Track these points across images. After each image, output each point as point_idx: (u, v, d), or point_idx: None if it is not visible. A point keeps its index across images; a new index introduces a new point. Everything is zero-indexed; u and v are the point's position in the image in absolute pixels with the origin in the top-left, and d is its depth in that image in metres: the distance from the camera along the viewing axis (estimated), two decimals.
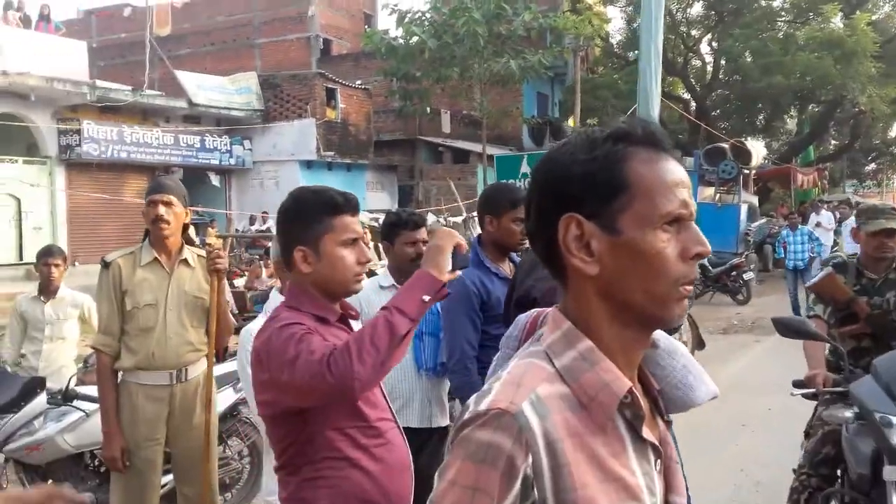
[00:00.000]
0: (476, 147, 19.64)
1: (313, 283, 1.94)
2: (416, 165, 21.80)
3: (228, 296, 5.17)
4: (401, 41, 17.70)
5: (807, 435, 3.56)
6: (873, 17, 21.97)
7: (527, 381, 0.97)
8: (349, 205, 1.96)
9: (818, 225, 14.60)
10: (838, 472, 3.32)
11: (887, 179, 39.92)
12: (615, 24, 25.87)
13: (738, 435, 6.13)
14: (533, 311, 1.20)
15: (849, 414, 2.90)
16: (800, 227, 13.35)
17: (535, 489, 0.93)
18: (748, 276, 14.19)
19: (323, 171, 19.91)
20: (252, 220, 18.34)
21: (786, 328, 3.04)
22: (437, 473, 0.98)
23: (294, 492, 1.89)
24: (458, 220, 15.32)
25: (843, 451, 3.15)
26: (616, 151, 1.00)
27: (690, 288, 1.00)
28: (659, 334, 1.11)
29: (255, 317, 3.26)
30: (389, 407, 2.05)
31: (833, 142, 30.58)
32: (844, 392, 2.99)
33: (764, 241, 17.89)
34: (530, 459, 0.93)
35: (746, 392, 7.67)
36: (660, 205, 0.98)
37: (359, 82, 21.99)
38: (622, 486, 0.97)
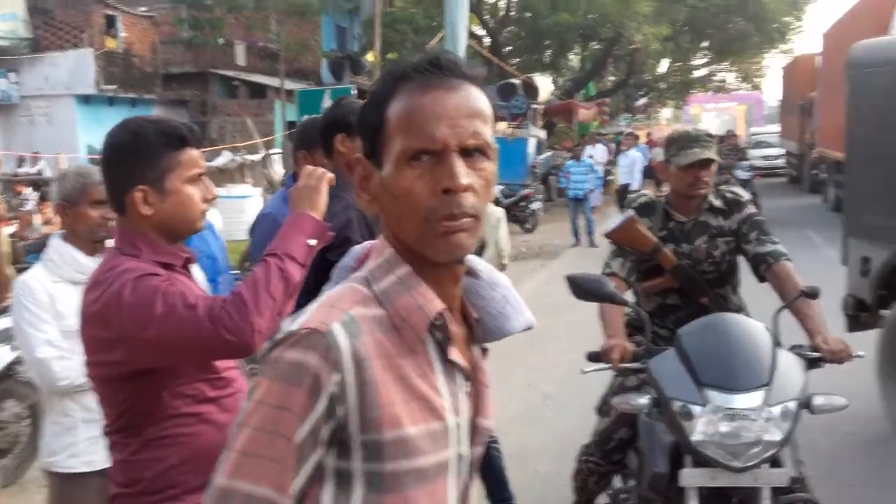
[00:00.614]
0: (274, 81, 18.97)
1: (153, 226, 1.77)
2: (208, 100, 20.70)
3: (6, 246, 4.70)
4: None
5: (600, 412, 3.07)
6: None
7: (341, 304, 1.01)
8: (194, 137, 1.81)
9: (590, 157, 15.61)
10: (634, 461, 2.88)
11: (655, 113, 43.71)
12: None
13: (525, 354, 6.65)
14: (368, 242, 1.23)
15: (643, 401, 2.42)
16: (583, 158, 14.24)
17: (342, 406, 0.96)
18: (535, 205, 15.17)
19: (103, 106, 18.38)
20: (21, 162, 16.62)
21: (580, 289, 2.48)
22: (247, 393, 1.01)
23: (135, 452, 1.74)
24: (256, 158, 14.82)
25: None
26: (384, 89, 1.02)
27: (455, 223, 0.98)
28: (481, 266, 1.16)
29: (28, 268, 3.01)
30: None
31: (611, 78, 32.88)
32: (643, 368, 2.52)
33: (549, 173, 19.10)
34: (337, 377, 0.96)
35: (533, 314, 8.27)
36: (403, 140, 0.99)
37: (143, 9, 20.35)
38: (427, 406, 1.02)
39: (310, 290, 2.75)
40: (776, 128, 28.89)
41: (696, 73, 34.79)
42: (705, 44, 29.19)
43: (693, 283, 2.90)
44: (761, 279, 2.85)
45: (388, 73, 1.04)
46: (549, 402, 5.47)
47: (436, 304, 1.03)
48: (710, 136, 2.88)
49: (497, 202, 14.19)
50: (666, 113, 49.11)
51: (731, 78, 36.03)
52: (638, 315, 2.64)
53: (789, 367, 2.37)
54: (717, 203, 2.95)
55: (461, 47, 3.37)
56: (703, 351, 2.37)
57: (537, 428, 4.97)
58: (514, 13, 24.58)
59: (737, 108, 50.25)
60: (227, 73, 20.78)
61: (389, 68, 1.06)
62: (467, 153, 1.00)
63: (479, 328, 1.16)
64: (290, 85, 17.98)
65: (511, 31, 25.20)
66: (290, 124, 14.51)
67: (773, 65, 33.98)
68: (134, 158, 1.74)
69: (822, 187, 17.81)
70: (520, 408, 5.26)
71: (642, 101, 39.06)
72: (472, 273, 1.14)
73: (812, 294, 2.52)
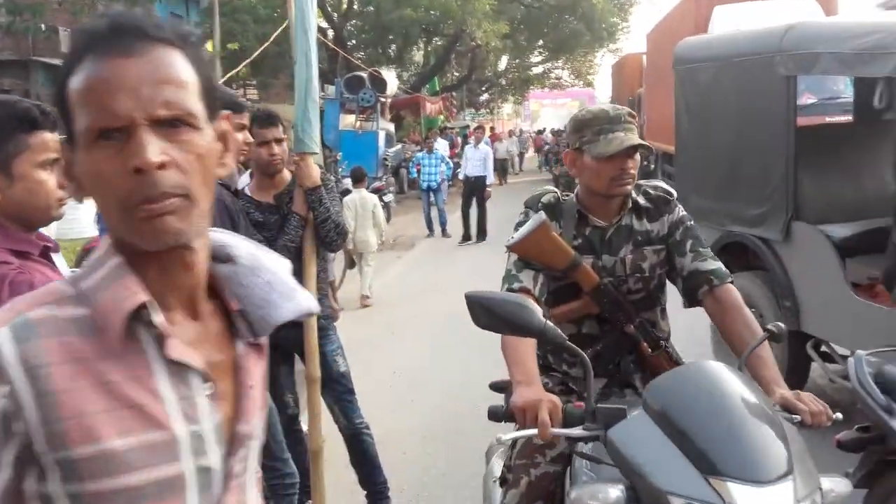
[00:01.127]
0: None
1: (3, 213, 1.70)
2: (31, 90, 19.15)
3: None
4: None
5: (502, 482, 2.32)
6: None
7: (18, 306, 0.89)
8: (48, 120, 1.71)
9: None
10: None
11: (498, 108, 45.14)
12: None
13: (388, 341, 6.77)
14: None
15: (615, 494, 1.60)
16: (435, 150, 14.49)
17: (19, 422, 0.84)
18: (388, 198, 15.26)
19: None
20: None
21: (491, 315, 1.73)
22: None
23: None
24: None
25: None
26: (69, 61, 0.89)
27: (155, 206, 0.86)
28: (241, 250, 1.02)
29: None
30: None
31: (455, 73, 33.61)
32: (593, 437, 1.73)
33: (400, 166, 19.30)
34: (5, 389, 0.83)
35: (393, 304, 8.42)
36: (86, 118, 0.86)
37: None
38: (140, 414, 0.88)
39: None
40: None
41: (534, 70, 36.25)
42: (541, 42, 30.49)
43: (617, 307, 2.23)
44: (693, 303, 2.24)
45: (72, 42, 0.90)
46: (413, 385, 5.60)
47: (137, 298, 0.88)
48: (632, 115, 2.21)
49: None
50: (507, 108, 50.78)
51: (565, 75, 37.85)
52: (572, 359, 2.05)
53: (795, 441, 1.64)
54: (642, 201, 2.29)
55: (312, 41, 3.37)
56: (700, 422, 1.60)
57: (404, 412, 5.08)
58: (357, 7, 24.53)
59: (571, 103, 52.80)
60: (52, 61, 19.31)
61: (73, 35, 0.91)
62: (165, 125, 0.87)
63: (242, 321, 1.01)
64: None
65: (355, 25, 25.13)
66: None
67: (604, 63, 35.97)
68: None
69: (652, 177, 19.16)
70: (388, 395, 5.34)
71: (485, 96, 40.22)
72: (229, 259, 1.01)
73: (779, 337, 1.92)
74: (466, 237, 13.03)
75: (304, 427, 3.42)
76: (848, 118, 12.83)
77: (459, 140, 23.14)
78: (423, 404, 5.23)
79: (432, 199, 13.83)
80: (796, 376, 4.36)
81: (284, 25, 12.03)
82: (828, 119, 9.61)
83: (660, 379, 1.79)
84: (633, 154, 2.14)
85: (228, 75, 14.79)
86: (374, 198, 9.19)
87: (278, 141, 3.36)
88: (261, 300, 1.01)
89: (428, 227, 13.91)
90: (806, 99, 9.95)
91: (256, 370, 1.02)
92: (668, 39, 15.86)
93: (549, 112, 54.32)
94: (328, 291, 3.67)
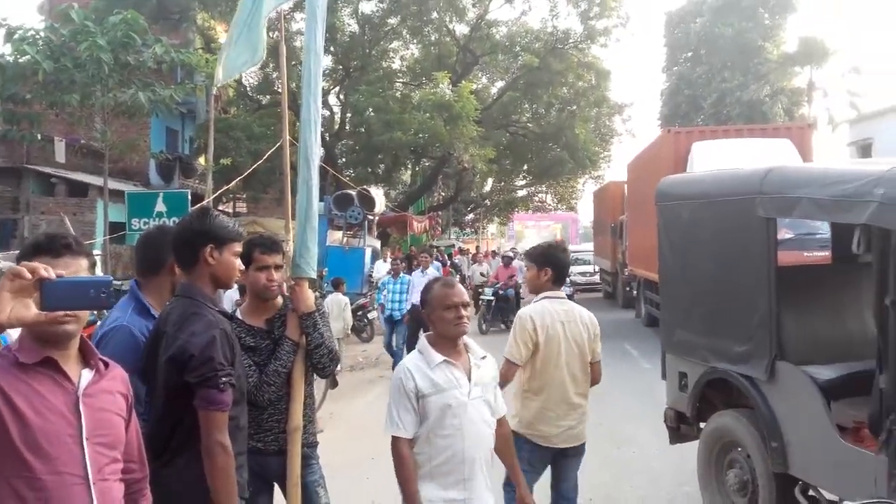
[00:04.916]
0: (96, 180, 18.09)
1: None
2: (21, 197, 19.30)
3: None
4: (9, 59, 15.70)
5: None
6: (475, 87, 25.39)
7: None
8: None
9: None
10: None
11: (483, 228, 45.97)
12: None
13: (369, 469, 6.56)
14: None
15: None
16: (402, 274, 12.30)
17: None
18: (372, 315, 15.22)
19: None
20: None
21: None
22: None
23: None
24: None
25: None
26: None
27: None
28: None
29: None
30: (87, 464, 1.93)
31: (442, 193, 34.39)
32: None
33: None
34: None
35: (375, 426, 8.22)
36: None
37: None
38: None
39: (161, 417, 2.62)
40: (590, 246, 31.23)
41: (519, 193, 37.17)
42: (525, 167, 31.41)
43: None
44: None
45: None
46: None
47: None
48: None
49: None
50: (492, 228, 51.69)
51: (549, 198, 38.80)
52: None
53: None
54: None
55: (315, 162, 3.49)
56: None
57: None
58: (348, 128, 25.34)
59: (554, 226, 53.94)
60: (44, 169, 19.59)
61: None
62: None
63: None
64: (114, 185, 17.22)
65: (346, 145, 25.88)
66: (114, 225, 13.85)
67: (586, 188, 37.04)
68: None
69: (635, 303, 19.30)
70: None
71: (470, 216, 41.00)
72: None
73: None
74: None
75: None
76: (825, 253, 13.24)
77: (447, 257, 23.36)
78: None
79: (396, 329, 11.73)
80: None
81: (278, 144, 12.38)
82: (806, 254, 9.82)
83: None
84: None
85: (221, 191, 15.03)
86: (346, 299, 11.42)
87: (277, 267, 3.41)
88: None
89: (392, 356, 11.85)
90: (784, 234, 10.19)
91: None
92: (649, 171, 16.47)
93: (533, 233, 55.44)
94: (313, 417, 3.61)
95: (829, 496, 4.10)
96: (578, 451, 4.25)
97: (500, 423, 3.30)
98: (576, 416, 4.16)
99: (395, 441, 3.05)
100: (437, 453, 3.03)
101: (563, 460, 4.21)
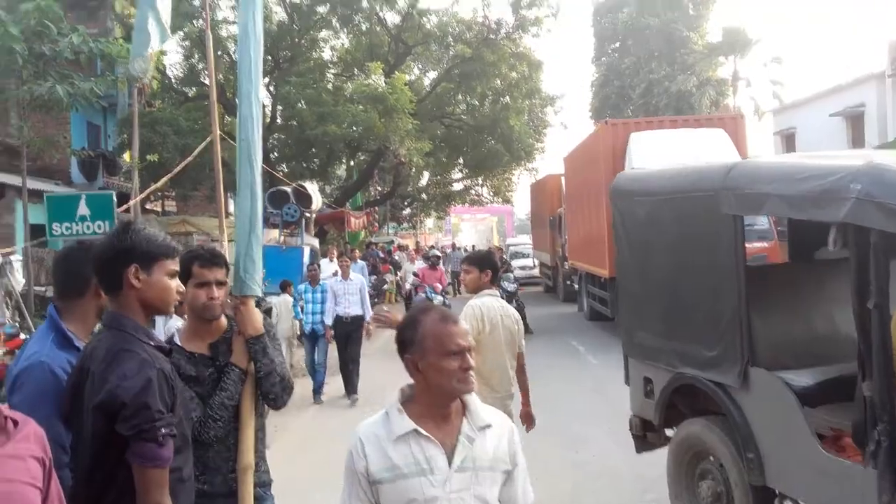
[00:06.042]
0: (14, 180, 17.00)
1: None
2: None
3: None
4: None
5: None
6: (408, 78, 24.97)
7: None
8: None
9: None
10: None
11: (420, 222, 45.66)
12: (172, 58, 25.13)
13: (321, 482, 6.20)
14: None
15: None
16: (322, 282, 10.66)
17: None
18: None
19: None
20: None
21: None
22: None
23: None
24: None
25: None
26: None
27: None
28: None
29: None
30: None
31: (378, 188, 33.89)
32: None
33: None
34: None
35: (324, 438, 7.88)
36: None
37: None
38: None
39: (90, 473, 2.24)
40: (528, 238, 31.29)
41: (455, 187, 36.98)
42: (461, 160, 31.20)
43: None
44: None
45: None
46: None
47: None
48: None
49: (269, 312, 13.75)
50: (429, 223, 51.41)
51: (485, 192, 38.75)
52: None
53: None
54: None
55: (258, 162, 3.18)
56: None
57: None
58: (280, 121, 24.63)
59: (490, 219, 54.03)
60: None
61: None
62: None
63: None
64: (34, 184, 16.22)
65: (278, 139, 25.16)
66: (35, 228, 13.02)
67: (521, 181, 37.10)
68: None
69: (577, 297, 19.30)
70: None
71: (407, 210, 40.59)
72: None
73: None
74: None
75: None
76: (765, 244, 13.40)
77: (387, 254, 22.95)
78: None
79: (318, 346, 10.36)
80: None
81: (209, 140, 11.79)
82: (747, 245, 9.85)
83: None
84: None
85: (149, 190, 14.34)
86: (290, 299, 10.98)
87: (220, 283, 3.01)
88: None
89: (312, 380, 10.40)
90: None
91: None
92: (587, 162, 16.44)
93: (469, 226, 55.45)
94: (265, 454, 3.25)
95: None
96: None
97: None
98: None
99: None
100: None
101: None
